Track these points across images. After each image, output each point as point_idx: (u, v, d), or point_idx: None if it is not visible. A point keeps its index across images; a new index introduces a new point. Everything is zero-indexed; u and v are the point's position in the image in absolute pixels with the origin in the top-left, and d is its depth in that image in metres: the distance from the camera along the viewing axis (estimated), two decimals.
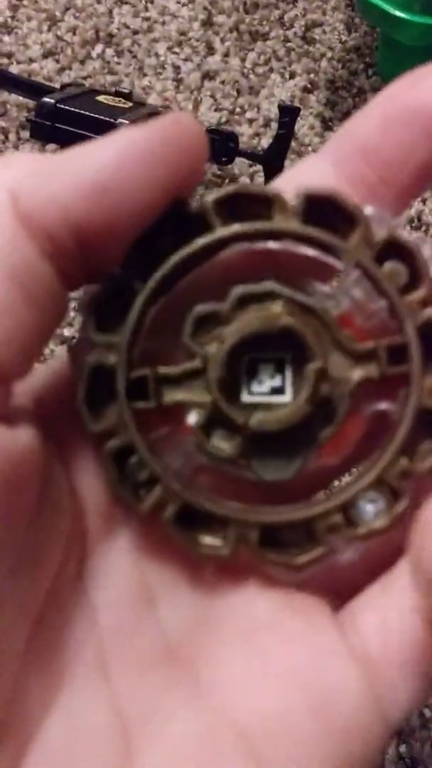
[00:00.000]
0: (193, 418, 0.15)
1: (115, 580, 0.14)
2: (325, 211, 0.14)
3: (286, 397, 0.15)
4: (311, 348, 0.14)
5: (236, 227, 0.14)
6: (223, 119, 0.45)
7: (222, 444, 0.15)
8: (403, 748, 0.31)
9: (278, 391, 0.15)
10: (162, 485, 0.14)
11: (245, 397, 0.15)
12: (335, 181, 0.14)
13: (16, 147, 0.44)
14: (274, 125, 0.44)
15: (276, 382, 0.15)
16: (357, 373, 0.15)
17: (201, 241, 0.14)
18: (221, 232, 0.14)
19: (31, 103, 0.45)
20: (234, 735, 0.13)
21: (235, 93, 0.46)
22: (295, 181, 0.14)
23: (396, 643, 0.14)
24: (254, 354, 0.15)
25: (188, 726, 0.13)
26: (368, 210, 0.14)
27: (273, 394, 0.15)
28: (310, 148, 0.45)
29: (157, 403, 0.15)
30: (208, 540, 0.15)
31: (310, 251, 0.15)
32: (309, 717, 0.13)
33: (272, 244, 0.15)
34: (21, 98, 0.45)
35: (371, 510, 0.15)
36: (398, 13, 0.40)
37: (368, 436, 0.15)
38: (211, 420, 0.15)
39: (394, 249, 0.14)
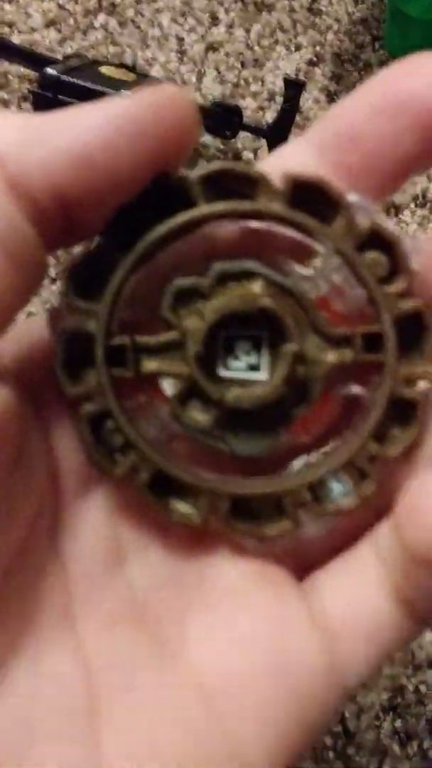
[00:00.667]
0: (169, 389, 0.15)
1: (87, 536, 0.15)
2: (309, 196, 0.14)
3: (262, 375, 0.15)
4: (288, 329, 0.15)
5: (219, 206, 0.15)
6: (227, 92, 0.45)
7: (197, 415, 0.15)
8: (398, 723, 0.32)
9: (254, 368, 0.15)
10: (136, 452, 0.15)
11: (222, 372, 0.15)
12: (319, 167, 0.15)
13: None
14: (279, 99, 0.44)
15: (252, 359, 0.16)
16: (332, 357, 0.15)
17: (183, 217, 0.15)
18: (204, 209, 0.15)
19: (32, 74, 0.44)
20: (196, 692, 0.14)
21: (239, 65, 0.46)
22: (279, 163, 0.15)
23: (357, 616, 0.15)
24: (232, 331, 0.15)
25: (152, 680, 0.14)
26: (352, 198, 0.15)
27: (249, 371, 0.15)
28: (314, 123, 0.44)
29: (135, 372, 0.15)
30: (180, 507, 0.15)
31: (292, 234, 0.15)
32: (269, 680, 0.14)
33: (255, 224, 0.15)
34: (23, 69, 0.44)
35: (339, 490, 0.15)
36: None
37: (340, 418, 0.15)
38: (187, 391, 0.15)
39: (376, 239, 0.15)
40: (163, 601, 0.15)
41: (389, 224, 0.15)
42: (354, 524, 0.16)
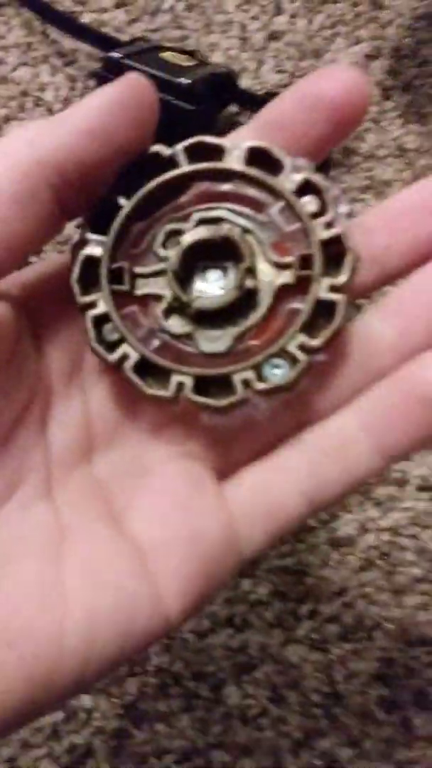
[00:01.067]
0: (158, 307, 0.20)
1: (68, 430, 0.20)
2: (260, 159, 0.20)
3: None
4: (242, 252, 0.20)
5: (198, 165, 0.20)
6: (284, 81, 0.47)
7: (176, 325, 0.20)
8: (385, 692, 0.34)
9: (222, 290, 0.20)
10: (127, 344, 0.20)
11: (196, 292, 0.21)
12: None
13: (82, 95, 0.47)
14: None
15: (220, 283, 0.21)
16: (279, 280, 0.20)
17: (172, 173, 0.20)
18: (186, 168, 0.20)
19: (99, 53, 0.47)
20: (134, 547, 0.19)
21: (298, 55, 0.47)
22: (233, 139, 0.20)
23: (258, 503, 0.20)
24: (205, 263, 0.20)
25: (103, 531, 0.19)
26: (291, 159, 0.20)
27: (217, 291, 0.20)
28: (366, 116, 0.46)
29: (129, 287, 0.20)
30: (156, 387, 0.20)
31: (250, 191, 0.20)
32: (185, 545, 0.19)
33: (225, 186, 0.21)
34: (91, 48, 0.47)
35: (277, 372, 0.20)
36: None
37: (284, 328, 0.20)
38: (170, 307, 0.20)
39: (309, 187, 0.20)
40: (117, 485, 0.20)
41: (320, 178, 0.20)
42: (271, 432, 0.21)
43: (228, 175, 0.20)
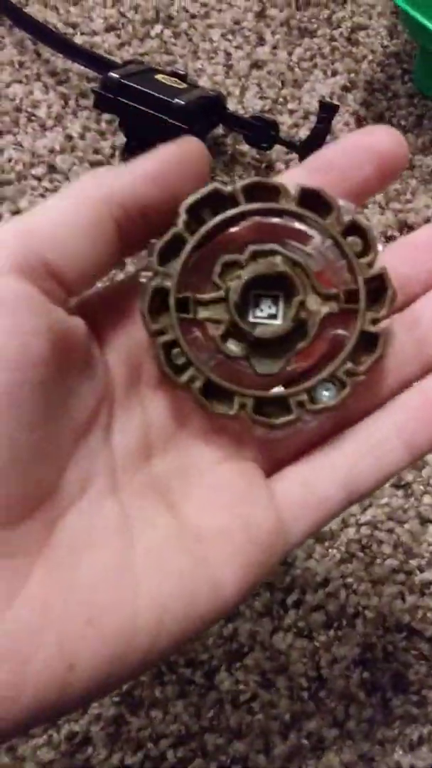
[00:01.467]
0: (216, 330, 0.22)
1: (129, 435, 0.22)
2: (312, 199, 0.22)
3: (278, 321, 0.22)
4: (296, 287, 0.22)
5: (255, 204, 0.22)
6: (266, 107, 0.50)
7: (233, 348, 0.22)
8: (366, 675, 0.37)
9: (273, 316, 0.23)
10: (193, 368, 0.22)
11: (251, 318, 0.23)
12: (308, 183, 0.22)
13: (74, 113, 0.49)
14: (313, 118, 0.49)
15: (272, 310, 0.23)
16: (324, 308, 0.22)
17: (231, 211, 0.22)
18: (245, 206, 0.22)
19: (90, 73, 0.49)
20: (194, 536, 0.21)
21: (279, 84, 0.51)
22: (285, 179, 0.22)
23: (304, 496, 0.23)
24: (259, 291, 0.22)
25: (165, 522, 0.22)
26: (340, 201, 0.22)
27: (269, 318, 0.23)
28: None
29: (194, 316, 0.22)
30: (220, 406, 0.22)
31: (299, 225, 0.23)
32: (239, 532, 0.22)
33: (276, 220, 0.22)
34: (82, 68, 0.49)
35: (326, 394, 0.23)
36: None
37: (329, 351, 0.23)
38: (227, 332, 0.22)
39: (354, 228, 0.22)
40: (174, 483, 0.23)
41: (364, 219, 0.22)
42: (314, 435, 0.23)
43: (281, 212, 0.22)
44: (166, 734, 0.35)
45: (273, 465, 0.23)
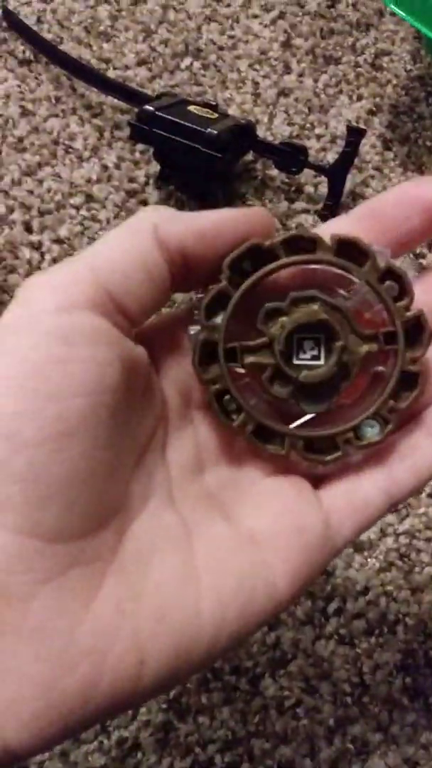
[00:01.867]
0: (263, 374, 0.24)
1: (182, 453, 0.24)
2: (348, 248, 0.23)
3: (321, 362, 0.24)
4: (337, 332, 0.24)
5: (294, 257, 0.24)
6: (294, 133, 0.52)
7: (280, 390, 0.24)
8: (408, 680, 0.38)
9: (316, 358, 0.24)
10: (245, 412, 0.24)
11: (295, 361, 0.24)
12: (355, 232, 0.24)
13: (109, 144, 0.52)
14: (340, 142, 0.51)
15: (315, 352, 0.24)
16: (364, 348, 0.24)
17: (272, 265, 0.24)
18: (284, 260, 0.24)
19: (123, 105, 0.52)
20: (250, 539, 0.23)
21: (306, 110, 0.53)
22: (330, 229, 0.24)
23: (348, 502, 0.24)
24: (301, 335, 0.24)
25: (222, 528, 0.23)
26: (375, 248, 0.24)
27: (312, 360, 0.24)
28: (370, 165, 0.51)
29: (242, 364, 0.24)
30: (272, 447, 0.24)
31: (339, 272, 0.24)
32: (293, 536, 0.23)
33: (314, 266, 0.24)
34: (116, 101, 0.52)
35: (371, 431, 0.24)
36: None
37: (370, 387, 0.25)
38: (273, 375, 0.24)
39: (390, 273, 0.24)
40: (227, 493, 0.24)
41: (398, 265, 0.24)
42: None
43: (319, 263, 0.24)
44: (213, 739, 0.37)
45: (318, 480, 0.25)
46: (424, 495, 0.41)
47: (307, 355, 0.24)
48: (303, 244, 0.24)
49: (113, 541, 0.22)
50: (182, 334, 0.24)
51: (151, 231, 0.22)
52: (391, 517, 0.41)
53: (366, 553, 0.40)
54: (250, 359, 0.24)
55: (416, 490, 0.25)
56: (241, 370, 0.24)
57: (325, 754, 0.36)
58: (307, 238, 0.24)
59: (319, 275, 0.24)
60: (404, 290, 0.24)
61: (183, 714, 0.37)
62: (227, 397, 0.24)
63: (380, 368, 0.24)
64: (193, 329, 0.24)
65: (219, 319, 0.23)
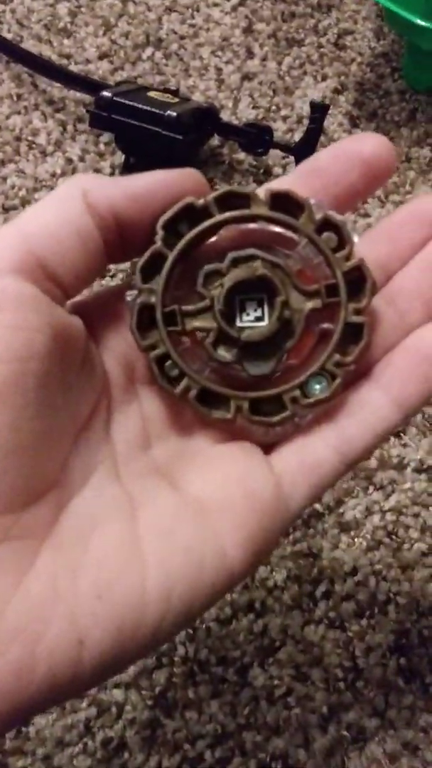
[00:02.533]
0: (206, 339, 0.23)
1: (128, 428, 0.23)
2: (284, 202, 0.23)
3: (265, 323, 0.23)
4: (278, 288, 0.23)
5: (228, 214, 0.23)
6: (260, 116, 0.52)
7: (224, 354, 0.23)
8: (402, 661, 0.36)
9: (260, 318, 0.24)
10: (187, 378, 0.23)
11: (238, 323, 0.23)
12: (296, 189, 0.23)
13: (72, 138, 0.51)
14: (306, 122, 0.50)
15: (258, 313, 0.24)
16: (308, 305, 0.23)
17: (206, 223, 0.23)
18: (219, 217, 0.23)
19: (86, 99, 0.52)
20: (198, 508, 0.22)
21: (271, 93, 0.53)
22: (276, 187, 0.24)
23: (300, 463, 0.23)
24: (243, 295, 0.23)
25: (168, 499, 0.22)
26: (312, 200, 0.23)
27: (256, 321, 0.24)
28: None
29: (182, 328, 0.23)
30: (217, 412, 0.23)
31: (275, 228, 0.23)
32: (242, 501, 0.22)
33: (252, 225, 0.23)
34: (78, 94, 0.52)
35: (318, 387, 0.23)
36: (420, 22, 0.46)
37: (317, 347, 0.24)
38: (216, 339, 0.23)
39: (328, 224, 0.23)
40: (175, 464, 0.23)
41: (336, 214, 0.23)
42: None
43: (255, 218, 0.23)
44: (202, 735, 0.35)
45: (269, 447, 0.24)
46: (409, 470, 0.40)
47: (251, 317, 0.23)
48: (237, 201, 0.23)
49: (49, 517, 0.21)
50: (123, 308, 0.24)
51: (80, 197, 0.22)
52: (376, 495, 0.40)
53: (352, 533, 0.39)
54: (192, 324, 0.23)
55: (371, 447, 0.24)
56: (185, 338, 0.23)
57: (319, 744, 0.35)
58: (240, 194, 0.23)
59: (258, 235, 0.23)
60: (343, 240, 0.23)
61: (169, 710, 0.36)
62: (168, 362, 0.23)
63: (326, 325, 0.23)
64: (130, 294, 0.23)
65: (156, 283, 0.23)
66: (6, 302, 0.20)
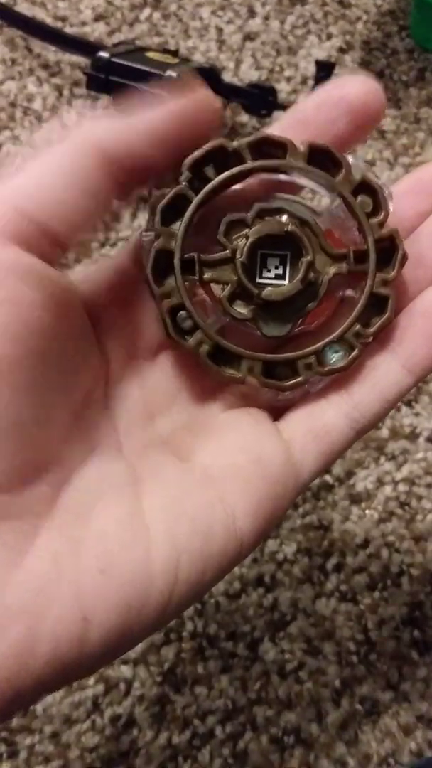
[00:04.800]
0: (223, 292, 0.22)
1: (130, 404, 0.23)
2: (320, 157, 0.22)
3: (286, 281, 0.22)
4: (305, 247, 0.22)
5: (262, 161, 0.22)
6: (263, 77, 0.51)
7: (241, 309, 0.22)
8: (416, 634, 0.36)
9: (280, 277, 0.22)
10: (201, 331, 0.22)
11: (258, 279, 0.22)
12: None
13: (69, 102, 0.50)
14: (311, 82, 0.49)
15: (279, 271, 0.22)
16: (333, 269, 0.22)
17: (236, 169, 0.22)
18: (250, 164, 0.22)
19: (82, 62, 0.51)
20: (204, 476, 0.21)
21: (274, 53, 0.52)
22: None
23: (310, 430, 0.23)
24: (266, 250, 0.22)
25: (174, 472, 0.22)
26: (350, 158, 0.22)
27: (276, 279, 0.22)
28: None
29: (199, 277, 0.22)
30: (228, 370, 0.22)
31: (310, 183, 0.22)
32: (251, 467, 0.22)
33: (283, 176, 0.22)
34: (74, 58, 0.51)
35: (335, 356, 0.23)
36: None
37: (337, 313, 0.23)
38: (234, 293, 0.22)
39: (364, 187, 0.22)
40: (180, 436, 0.23)
41: (375, 177, 0.22)
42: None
43: (290, 169, 0.22)
44: (212, 710, 0.35)
45: (278, 413, 0.24)
46: (422, 439, 0.40)
47: (271, 274, 0.22)
48: (272, 149, 0.22)
49: (49, 495, 0.20)
50: (124, 282, 0.23)
51: (84, 142, 0.20)
52: (388, 465, 0.39)
53: (363, 504, 0.39)
54: (209, 275, 0.22)
55: (382, 413, 0.23)
56: (201, 291, 0.22)
57: (332, 718, 0.35)
58: (276, 141, 0.22)
59: (288, 187, 0.22)
60: (378, 206, 0.22)
61: (179, 686, 0.36)
62: (182, 313, 0.22)
63: (349, 292, 0.22)
64: (147, 235, 0.22)
65: (176, 226, 0.21)
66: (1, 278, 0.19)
